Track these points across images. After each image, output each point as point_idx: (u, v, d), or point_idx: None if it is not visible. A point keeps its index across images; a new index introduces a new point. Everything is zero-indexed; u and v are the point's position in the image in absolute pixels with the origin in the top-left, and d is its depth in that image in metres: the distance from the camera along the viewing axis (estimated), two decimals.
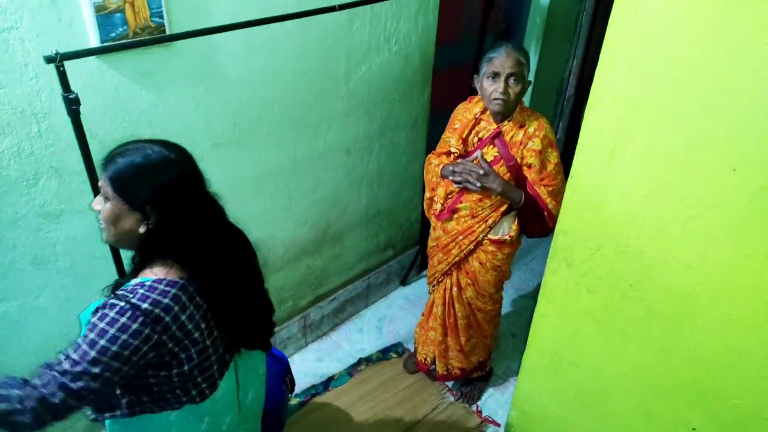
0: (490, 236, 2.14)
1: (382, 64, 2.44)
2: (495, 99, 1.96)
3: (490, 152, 2.07)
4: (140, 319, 1.08)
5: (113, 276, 1.66)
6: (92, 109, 1.62)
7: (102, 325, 1.08)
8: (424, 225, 2.89)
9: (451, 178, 2.04)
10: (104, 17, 1.53)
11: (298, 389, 2.54)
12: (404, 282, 3.32)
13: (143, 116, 1.75)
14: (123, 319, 1.08)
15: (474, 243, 2.15)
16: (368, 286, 3.07)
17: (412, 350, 2.78)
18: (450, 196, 2.17)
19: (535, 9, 3.29)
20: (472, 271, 2.23)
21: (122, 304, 1.09)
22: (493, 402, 2.62)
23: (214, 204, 1.26)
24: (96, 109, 1.64)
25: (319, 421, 2.47)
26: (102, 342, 1.06)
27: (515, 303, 3.24)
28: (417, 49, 2.57)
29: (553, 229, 1.98)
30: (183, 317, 1.14)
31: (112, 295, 1.13)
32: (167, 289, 1.14)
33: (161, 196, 1.13)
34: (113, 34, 1.56)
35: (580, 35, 3.54)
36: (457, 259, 2.21)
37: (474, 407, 2.58)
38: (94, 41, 1.54)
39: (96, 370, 1.06)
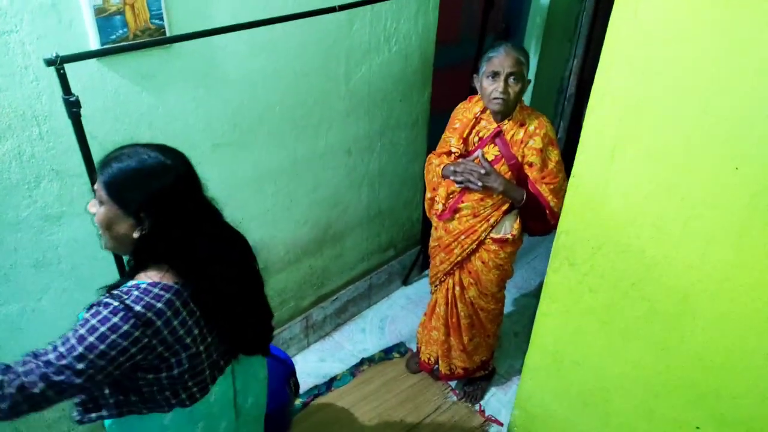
0: (492, 235, 2.14)
1: (383, 64, 2.44)
2: (495, 98, 1.96)
3: (491, 151, 2.07)
4: (132, 321, 1.08)
5: (115, 278, 1.65)
6: (93, 111, 1.62)
7: (93, 321, 1.08)
8: (426, 225, 2.89)
9: (452, 178, 2.04)
10: (104, 20, 1.53)
11: (300, 390, 2.54)
12: (406, 282, 3.32)
13: (144, 118, 1.75)
14: (115, 319, 1.08)
15: (476, 242, 2.15)
16: (370, 286, 3.07)
17: (415, 350, 2.78)
18: (451, 195, 2.17)
19: (535, 9, 3.29)
20: (474, 270, 2.23)
21: (116, 303, 1.09)
22: (496, 401, 2.62)
23: (211, 209, 1.26)
24: (96, 112, 1.64)
25: (322, 422, 2.47)
26: (90, 339, 1.06)
27: (517, 302, 3.24)
28: (417, 49, 2.57)
29: (554, 227, 1.98)
30: (175, 322, 1.14)
31: (108, 294, 1.13)
32: (161, 293, 1.13)
33: (155, 202, 1.13)
34: (113, 37, 1.56)
35: (581, 35, 3.53)
36: (459, 258, 2.21)
37: (477, 407, 2.58)
38: (94, 44, 1.54)
39: (80, 366, 1.05)
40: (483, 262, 2.20)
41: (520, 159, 2.03)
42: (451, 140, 2.15)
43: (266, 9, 1.88)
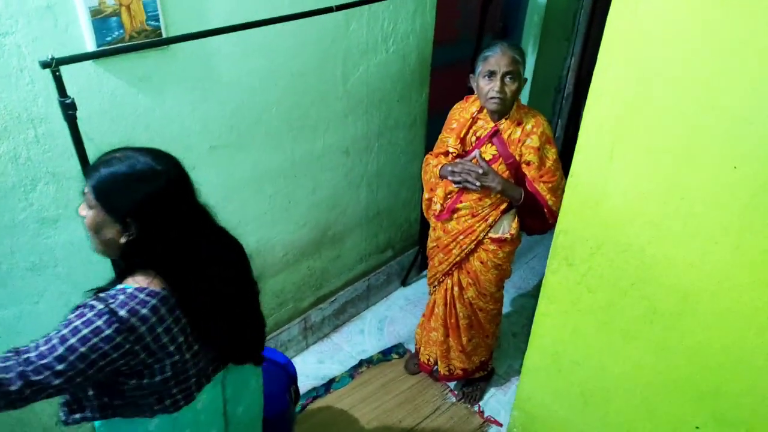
0: (490, 235, 2.13)
1: (380, 64, 2.44)
2: (492, 98, 1.96)
3: (489, 151, 2.06)
4: (115, 325, 1.07)
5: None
6: (89, 113, 1.61)
7: (77, 323, 1.07)
8: (424, 225, 2.88)
9: (450, 178, 2.04)
10: (100, 21, 1.52)
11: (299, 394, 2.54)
12: (404, 282, 3.31)
13: (140, 120, 1.75)
14: (98, 322, 1.07)
15: (475, 242, 2.15)
16: (368, 287, 3.07)
17: (413, 351, 2.77)
18: (449, 196, 2.16)
19: (533, 7, 3.28)
20: (473, 270, 2.23)
21: (101, 306, 1.08)
22: (495, 402, 2.61)
23: (203, 214, 1.24)
24: (93, 114, 1.63)
25: (321, 424, 2.47)
26: (72, 340, 1.06)
27: (516, 302, 3.24)
28: (415, 49, 2.56)
29: (552, 226, 1.98)
30: (159, 329, 1.13)
31: (94, 296, 1.12)
32: (147, 299, 1.12)
33: (142, 209, 1.12)
34: (109, 38, 1.55)
35: (578, 33, 3.53)
36: (458, 258, 2.21)
37: (476, 407, 2.58)
38: (90, 45, 1.53)
39: (60, 367, 1.05)
40: (481, 262, 2.20)
41: (517, 158, 2.02)
42: (448, 140, 2.14)
43: (262, 10, 1.88)
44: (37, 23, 1.45)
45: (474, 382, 2.63)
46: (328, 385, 2.64)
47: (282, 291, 2.57)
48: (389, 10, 2.34)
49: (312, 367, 2.76)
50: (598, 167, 1.43)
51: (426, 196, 2.27)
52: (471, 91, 2.11)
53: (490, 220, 2.11)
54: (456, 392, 2.64)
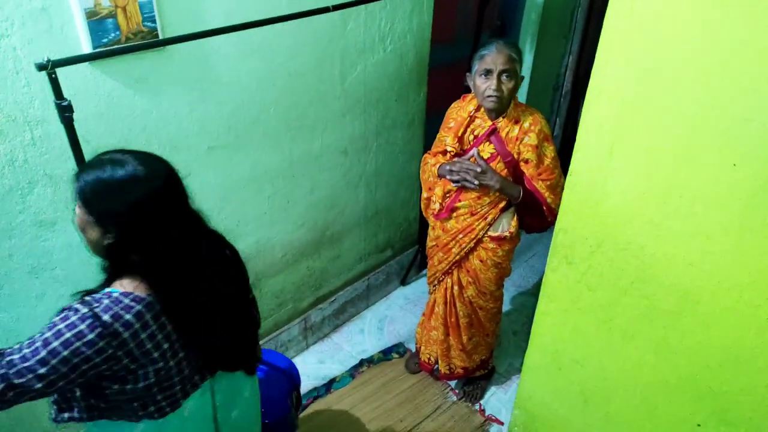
0: (490, 233, 2.13)
1: (378, 63, 2.43)
2: (488, 96, 1.95)
3: (487, 149, 2.06)
4: (98, 330, 1.06)
5: None
6: (86, 115, 1.61)
7: (61, 326, 1.07)
8: (423, 224, 2.88)
9: (448, 177, 2.03)
10: (96, 23, 1.51)
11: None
12: (404, 282, 3.31)
13: (137, 122, 1.74)
14: (82, 326, 1.06)
15: (474, 241, 2.15)
16: (368, 286, 3.06)
17: (414, 350, 2.77)
18: (448, 195, 2.16)
19: (530, 5, 3.28)
20: (472, 269, 2.23)
21: (85, 310, 1.08)
22: (496, 400, 2.61)
23: (191, 221, 1.22)
24: (90, 116, 1.63)
25: (322, 424, 2.46)
26: (55, 343, 1.05)
27: (515, 300, 3.23)
28: (412, 49, 2.56)
29: (552, 224, 1.97)
30: (143, 335, 1.12)
31: (80, 299, 1.12)
32: (132, 304, 1.11)
33: (119, 216, 1.11)
34: (105, 40, 1.55)
35: (576, 31, 3.53)
36: (457, 257, 2.21)
37: (477, 406, 2.58)
38: (86, 47, 1.53)
39: (42, 370, 1.04)
40: (481, 261, 2.20)
41: (515, 156, 2.02)
42: (446, 139, 2.14)
43: (259, 10, 1.87)
44: (32, 25, 1.44)
45: (475, 381, 2.63)
46: (329, 385, 2.64)
47: (281, 291, 2.57)
48: (386, 9, 2.33)
49: (312, 367, 2.75)
50: (598, 166, 1.43)
51: (425, 195, 2.27)
52: (468, 90, 2.10)
53: (489, 218, 2.10)
54: (457, 391, 2.64)
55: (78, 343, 1.05)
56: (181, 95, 1.82)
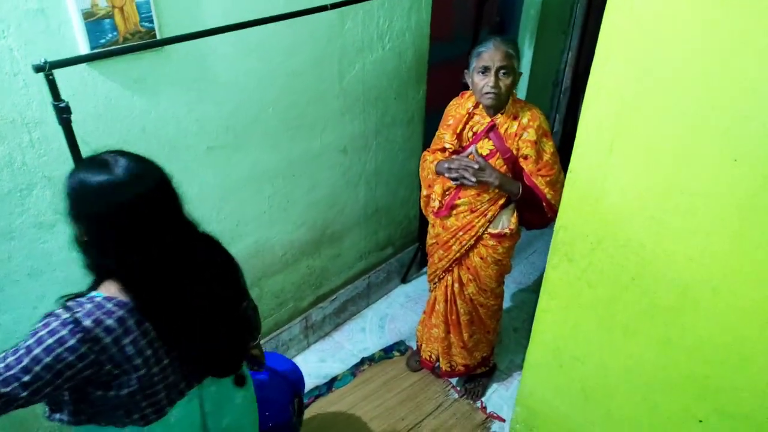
0: (490, 230, 2.13)
1: (376, 62, 2.43)
2: (486, 93, 1.95)
3: (486, 146, 2.06)
4: (79, 335, 1.05)
5: None
6: (84, 116, 1.60)
7: (42, 332, 1.05)
8: (423, 222, 2.87)
9: (447, 174, 2.03)
10: (93, 24, 1.51)
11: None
12: (404, 280, 3.31)
13: (136, 122, 1.74)
14: (63, 332, 1.05)
15: (474, 238, 2.15)
16: (369, 284, 3.06)
17: (415, 348, 2.77)
18: (447, 192, 2.16)
19: (529, 1, 3.27)
20: (473, 266, 2.23)
21: (66, 315, 1.07)
22: (498, 397, 2.61)
23: (174, 227, 1.18)
24: (88, 117, 1.62)
25: (324, 423, 2.46)
26: (37, 350, 1.04)
27: (516, 297, 3.23)
28: (411, 46, 2.55)
29: (552, 220, 1.97)
30: (125, 341, 1.10)
31: (63, 304, 1.11)
32: (114, 309, 1.10)
33: (89, 220, 1.09)
34: (103, 41, 1.54)
35: (575, 26, 3.52)
36: (457, 255, 2.20)
37: (478, 403, 2.58)
38: (83, 48, 1.52)
39: (26, 378, 1.03)
40: (481, 258, 2.19)
41: (514, 152, 2.02)
42: (444, 137, 2.14)
43: (257, 9, 1.86)
44: (29, 26, 1.43)
45: (476, 378, 2.63)
46: (330, 384, 2.64)
47: (282, 291, 2.57)
48: (384, 7, 2.32)
49: (313, 366, 2.75)
50: (598, 163, 1.42)
51: (424, 192, 2.26)
52: (467, 87, 2.10)
53: (489, 215, 2.10)
54: (458, 388, 2.64)
55: (60, 349, 1.04)
56: (180, 95, 1.81)
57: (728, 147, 1.20)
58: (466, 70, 2.04)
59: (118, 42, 1.57)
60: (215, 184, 2.05)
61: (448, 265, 2.26)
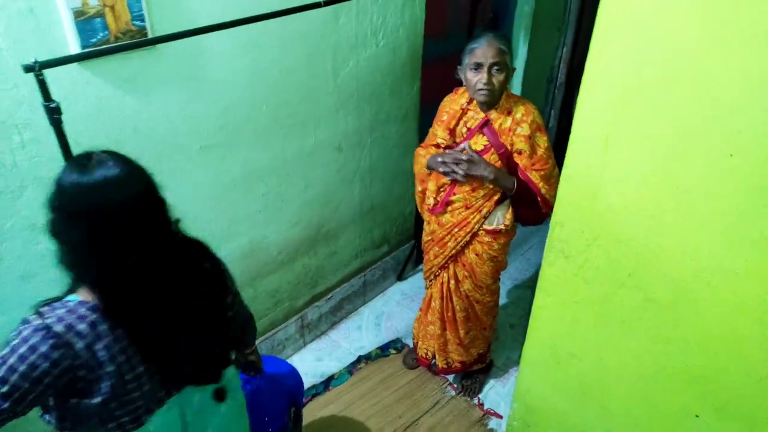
0: (485, 226, 2.13)
1: (370, 58, 2.42)
2: (480, 90, 1.95)
3: (480, 141, 2.05)
4: (50, 341, 1.03)
5: None
6: (75, 117, 1.59)
7: (16, 341, 1.03)
8: (419, 219, 2.87)
9: (440, 169, 2.02)
10: (84, 22, 1.49)
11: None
12: (400, 277, 3.30)
13: (128, 122, 1.72)
14: (35, 339, 1.03)
15: (470, 234, 2.14)
16: (365, 283, 3.05)
17: (411, 346, 2.77)
18: (442, 189, 2.15)
19: None
20: (468, 263, 2.22)
21: (38, 322, 1.05)
22: (495, 394, 2.61)
23: (149, 232, 1.13)
24: (79, 117, 1.61)
25: (321, 422, 2.46)
26: (12, 360, 1.02)
27: (512, 293, 3.23)
28: (405, 42, 2.54)
29: (547, 216, 1.96)
30: (97, 346, 1.08)
31: (37, 310, 1.09)
32: (86, 313, 1.08)
33: (53, 219, 1.08)
34: (94, 40, 1.53)
35: (569, 22, 3.52)
36: (453, 251, 2.20)
37: (476, 400, 2.58)
38: (74, 47, 1.50)
39: (4, 389, 1.01)
40: (477, 255, 2.19)
41: (509, 147, 2.02)
42: (437, 132, 2.14)
43: (249, 6, 1.85)
44: (18, 26, 1.42)
45: (473, 375, 2.63)
46: (327, 383, 2.63)
47: (278, 290, 2.56)
48: (378, 3, 2.31)
49: (310, 365, 2.75)
50: (593, 158, 1.42)
51: (418, 188, 2.26)
52: (461, 83, 2.10)
53: (484, 211, 2.10)
54: (455, 385, 2.64)
55: (33, 357, 1.02)
56: (172, 95, 1.80)
57: (724, 142, 1.19)
58: (459, 66, 2.04)
59: (110, 41, 1.55)
60: (208, 183, 2.04)
61: (443, 261, 2.26)
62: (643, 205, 1.38)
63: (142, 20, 1.60)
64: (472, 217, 2.12)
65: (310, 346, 2.86)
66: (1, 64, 1.42)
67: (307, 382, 2.62)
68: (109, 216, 1.06)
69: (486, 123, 2.04)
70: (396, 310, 3.10)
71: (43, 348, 1.03)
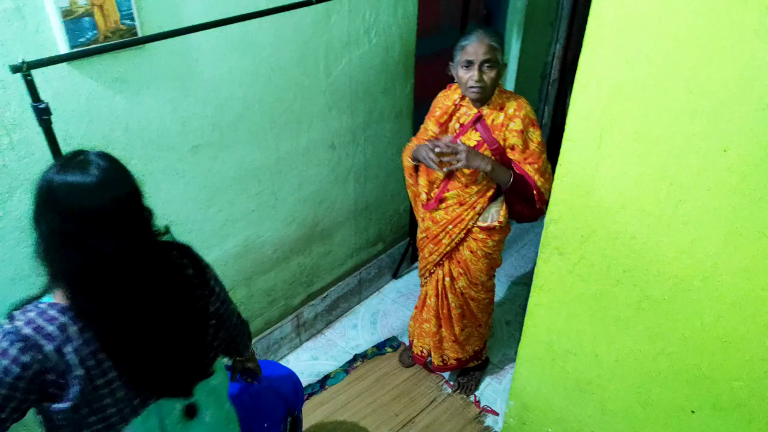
0: (479, 223, 2.12)
1: (363, 56, 2.40)
2: (471, 87, 1.95)
3: (473, 137, 2.05)
4: (19, 344, 1.02)
5: None
6: (66, 117, 1.57)
7: None
8: (414, 217, 2.86)
9: (430, 157, 1.97)
10: (72, 22, 1.48)
11: None
12: (396, 275, 3.30)
13: (119, 122, 1.71)
14: (4, 343, 1.01)
15: (464, 231, 2.14)
16: (360, 281, 3.05)
17: (407, 344, 2.76)
18: (435, 185, 2.15)
19: None
20: (463, 260, 2.22)
21: (8, 326, 1.03)
22: (491, 391, 2.61)
23: (123, 233, 1.08)
24: (69, 118, 1.59)
25: (317, 421, 2.45)
26: None
27: (508, 290, 3.23)
28: (398, 40, 2.53)
29: (541, 213, 1.96)
30: (66, 349, 1.05)
31: (9, 313, 1.07)
32: (56, 315, 1.06)
33: (34, 217, 1.06)
34: (83, 39, 1.51)
35: (562, 18, 3.51)
36: (448, 248, 2.20)
37: (472, 397, 2.58)
38: (63, 47, 1.49)
39: None
40: (471, 252, 2.19)
41: (501, 143, 2.01)
42: (429, 126, 2.14)
43: (240, 4, 1.84)
44: (5, 26, 1.40)
45: (469, 372, 2.63)
46: (323, 382, 2.63)
47: (273, 289, 2.55)
48: (370, 1, 2.30)
49: (306, 363, 2.74)
50: (587, 155, 1.42)
51: (409, 181, 2.25)
52: (453, 79, 2.09)
53: (478, 207, 2.09)
54: (451, 383, 2.64)
55: (5, 362, 1.01)
56: (163, 94, 1.78)
57: (718, 137, 1.19)
58: (450, 63, 2.03)
59: (99, 40, 1.54)
60: (202, 183, 2.03)
61: (438, 259, 2.26)
62: (637, 202, 1.37)
63: (132, 19, 1.58)
64: (466, 213, 2.11)
65: (306, 345, 2.85)
66: None
67: (303, 381, 2.61)
68: (80, 216, 1.03)
69: (479, 119, 2.03)
70: (392, 308, 3.09)
71: (13, 352, 1.01)
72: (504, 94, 2.04)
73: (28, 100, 1.34)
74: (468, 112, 2.06)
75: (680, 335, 1.44)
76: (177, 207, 1.99)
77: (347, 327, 2.97)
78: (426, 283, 2.40)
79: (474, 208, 2.10)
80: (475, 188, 2.07)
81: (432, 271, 2.33)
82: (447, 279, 2.29)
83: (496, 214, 2.12)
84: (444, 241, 2.19)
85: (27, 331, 1.03)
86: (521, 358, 1.88)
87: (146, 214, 1.14)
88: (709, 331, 1.39)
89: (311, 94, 2.27)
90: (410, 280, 3.29)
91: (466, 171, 2.04)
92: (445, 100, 2.13)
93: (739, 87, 1.13)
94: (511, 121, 1.99)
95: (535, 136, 2.01)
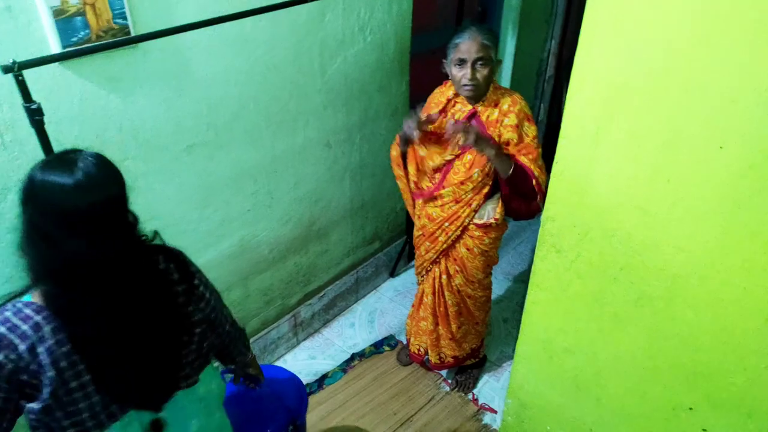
0: (475, 221, 2.12)
1: (358, 54, 2.39)
2: (464, 85, 1.95)
3: None
4: None
5: None
6: (58, 117, 1.56)
7: None
8: (410, 215, 2.86)
9: (404, 126, 1.98)
10: (64, 21, 1.46)
11: None
12: (393, 274, 3.29)
13: (112, 122, 1.69)
14: None
15: (460, 228, 2.14)
16: (357, 280, 3.04)
17: (405, 342, 2.76)
18: (426, 174, 2.14)
19: None
20: (459, 257, 2.22)
21: None
22: (489, 389, 2.61)
23: (102, 236, 1.06)
24: (62, 118, 1.58)
25: (315, 421, 2.45)
26: None
27: (505, 288, 3.23)
28: (393, 38, 2.52)
29: (538, 210, 1.95)
30: (39, 348, 1.04)
31: None
32: (31, 314, 1.05)
33: (19, 210, 1.05)
34: (75, 39, 1.50)
35: (558, 15, 3.50)
36: (444, 246, 2.19)
37: (470, 396, 2.58)
38: (54, 47, 1.47)
39: None
40: (468, 249, 2.18)
41: (497, 139, 2.01)
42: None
43: (233, 3, 1.82)
44: None
45: (467, 370, 2.63)
46: (321, 381, 2.62)
47: (270, 288, 2.54)
48: None
49: (303, 363, 2.73)
50: (584, 152, 1.41)
51: (397, 171, 2.24)
52: (448, 76, 2.09)
53: (474, 204, 2.09)
54: (449, 381, 2.64)
55: None
56: (157, 93, 1.77)
57: (714, 134, 1.18)
58: (444, 60, 2.03)
59: (91, 40, 1.52)
60: (196, 182, 2.02)
61: (435, 256, 2.25)
62: (634, 200, 1.37)
63: (124, 18, 1.57)
64: (462, 211, 2.11)
65: (304, 345, 2.84)
66: None
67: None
68: (55, 215, 1.02)
69: (473, 115, 2.03)
70: (389, 307, 3.09)
71: None
72: (498, 90, 2.03)
73: (20, 100, 1.33)
74: (462, 108, 2.06)
75: (678, 332, 1.44)
76: (172, 207, 1.98)
77: (344, 326, 2.97)
78: (423, 281, 2.39)
79: (470, 205, 2.10)
80: (470, 185, 2.06)
81: (429, 268, 2.32)
82: (444, 277, 2.28)
83: (492, 211, 2.12)
84: (440, 238, 2.19)
85: (1, 330, 1.02)
86: (519, 355, 1.87)
87: (130, 219, 1.12)
88: (706, 329, 1.39)
89: (306, 92, 2.26)
90: (407, 278, 3.29)
91: (462, 168, 2.04)
92: (440, 96, 2.14)
93: (734, 83, 1.12)
94: (506, 116, 1.99)
95: (531, 130, 2.01)
